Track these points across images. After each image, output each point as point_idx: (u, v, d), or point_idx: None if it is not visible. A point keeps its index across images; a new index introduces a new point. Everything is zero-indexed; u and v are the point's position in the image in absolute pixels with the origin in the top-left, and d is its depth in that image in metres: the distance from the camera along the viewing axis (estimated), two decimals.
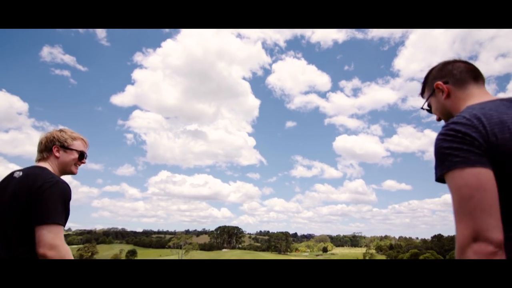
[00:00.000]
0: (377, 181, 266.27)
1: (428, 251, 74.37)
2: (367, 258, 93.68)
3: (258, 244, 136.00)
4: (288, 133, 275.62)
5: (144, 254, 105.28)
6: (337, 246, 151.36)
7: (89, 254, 74.80)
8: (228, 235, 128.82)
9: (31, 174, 1.42)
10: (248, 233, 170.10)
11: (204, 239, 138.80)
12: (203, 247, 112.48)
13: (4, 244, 1.32)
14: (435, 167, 0.89)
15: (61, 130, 1.64)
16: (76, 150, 1.63)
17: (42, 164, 1.54)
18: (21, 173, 1.45)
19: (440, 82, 1.09)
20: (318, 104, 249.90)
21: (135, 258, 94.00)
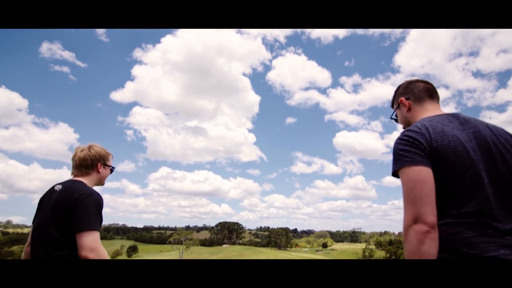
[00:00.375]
0: (377, 177, 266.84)
1: None
2: (366, 253, 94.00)
3: (259, 240, 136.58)
4: (288, 129, 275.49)
5: (145, 249, 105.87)
6: (337, 241, 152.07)
7: None
8: (229, 231, 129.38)
9: (69, 188, 1.63)
10: (248, 229, 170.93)
11: (205, 234, 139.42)
12: (204, 243, 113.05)
13: (45, 247, 1.54)
14: (392, 164, 1.10)
15: (97, 146, 1.83)
16: (110, 166, 1.91)
17: (79, 178, 1.74)
18: (60, 187, 1.66)
19: (403, 98, 1.36)
20: (318, 100, 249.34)
21: (136, 254, 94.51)
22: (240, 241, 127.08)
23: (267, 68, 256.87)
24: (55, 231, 1.53)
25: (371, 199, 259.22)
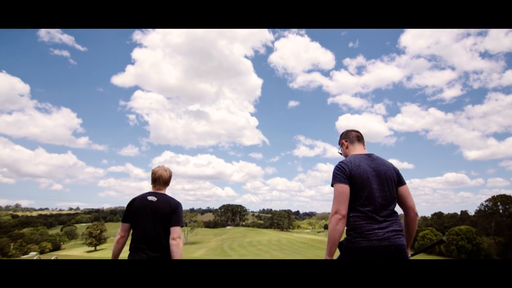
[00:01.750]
0: None
1: (427, 228, 75.75)
2: None
3: (261, 222, 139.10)
4: (290, 112, 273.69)
5: None
6: None
7: (98, 231, 77.19)
8: (232, 213, 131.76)
9: (166, 199, 2.57)
10: (251, 211, 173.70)
11: (209, 217, 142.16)
12: (208, 225, 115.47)
13: (159, 238, 2.45)
14: (331, 179, 1.97)
15: (169, 169, 2.79)
16: None
17: (162, 191, 2.69)
18: (155, 198, 2.54)
19: (343, 141, 2.29)
20: (322, 83, 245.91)
21: None
22: (244, 223, 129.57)
23: (270, 50, 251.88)
24: (158, 229, 2.45)
25: None
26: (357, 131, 2.28)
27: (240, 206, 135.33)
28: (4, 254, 63.47)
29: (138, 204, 2.52)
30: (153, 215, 2.45)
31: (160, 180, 2.65)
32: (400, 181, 2.04)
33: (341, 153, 2.34)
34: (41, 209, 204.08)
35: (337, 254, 1.99)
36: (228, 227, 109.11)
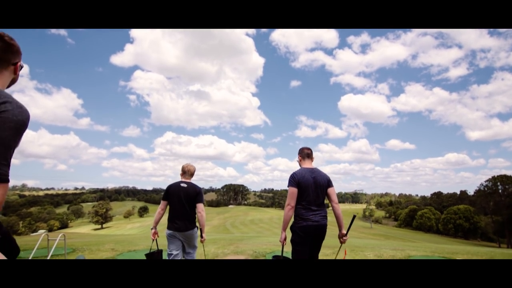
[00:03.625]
0: (381, 141, 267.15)
1: (426, 207, 76.99)
2: (367, 213, 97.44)
3: (263, 201, 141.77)
4: (292, 93, 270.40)
5: (155, 210, 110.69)
6: (339, 202, 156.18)
7: (104, 210, 79.16)
8: (234, 193, 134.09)
9: (193, 186, 3.84)
10: (253, 191, 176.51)
11: (211, 196, 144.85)
12: (211, 204, 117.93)
13: (188, 212, 3.74)
14: (288, 183, 3.23)
15: (192, 164, 4.08)
16: None
17: (189, 180, 3.95)
18: (186, 185, 3.82)
19: (299, 155, 3.47)
20: (325, 62, 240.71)
21: (147, 214, 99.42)
22: (245, 202, 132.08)
23: None
24: (188, 206, 3.74)
25: (374, 162, 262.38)
26: (308, 149, 3.39)
27: (242, 186, 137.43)
28: (14, 232, 65.62)
29: (174, 189, 3.79)
30: (184, 197, 3.72)
31: (188, 172, 3.96)
32: (329, 185, 3.21)
33: (298, 161, 3.45)
34: (47, 189, 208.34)
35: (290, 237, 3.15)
36: (230, 206, 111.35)
